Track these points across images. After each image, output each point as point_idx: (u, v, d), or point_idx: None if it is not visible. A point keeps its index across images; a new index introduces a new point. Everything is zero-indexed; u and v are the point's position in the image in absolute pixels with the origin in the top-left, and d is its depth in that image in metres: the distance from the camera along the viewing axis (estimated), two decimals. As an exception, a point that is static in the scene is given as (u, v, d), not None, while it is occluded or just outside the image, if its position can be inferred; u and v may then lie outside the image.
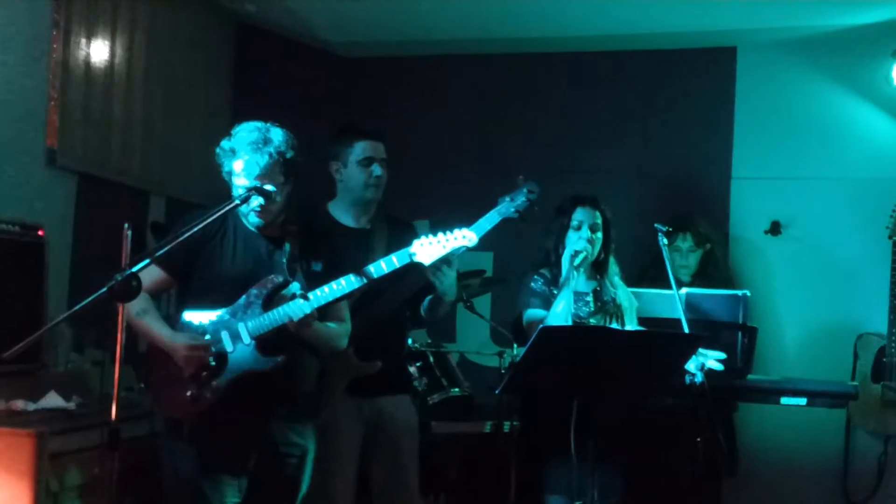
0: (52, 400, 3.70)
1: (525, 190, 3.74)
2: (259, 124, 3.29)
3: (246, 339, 3.21)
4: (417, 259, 3.21)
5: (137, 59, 5.15)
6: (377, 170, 3.88)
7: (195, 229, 3.09)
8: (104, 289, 2.76)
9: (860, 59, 5.49)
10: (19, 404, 3.59)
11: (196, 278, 3.33)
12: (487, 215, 3.67)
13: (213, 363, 3.19)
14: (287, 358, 3.22)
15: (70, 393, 3.82)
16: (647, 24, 5.48)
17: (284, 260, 3.30)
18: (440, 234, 3.21)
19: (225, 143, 3.28)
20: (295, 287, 3.27)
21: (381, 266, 3.24)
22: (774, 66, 5.68)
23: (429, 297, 3.81)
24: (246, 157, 3.22)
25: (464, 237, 3.22)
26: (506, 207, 3.73)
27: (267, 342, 3.21)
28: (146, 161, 5.23)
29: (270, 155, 3.22)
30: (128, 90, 5.07)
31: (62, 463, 3.33)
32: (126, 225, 3.41)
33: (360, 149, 3.88)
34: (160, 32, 5.35)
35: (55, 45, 4.52)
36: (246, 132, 3.26)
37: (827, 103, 5.60)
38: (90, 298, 2.84)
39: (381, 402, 3.88)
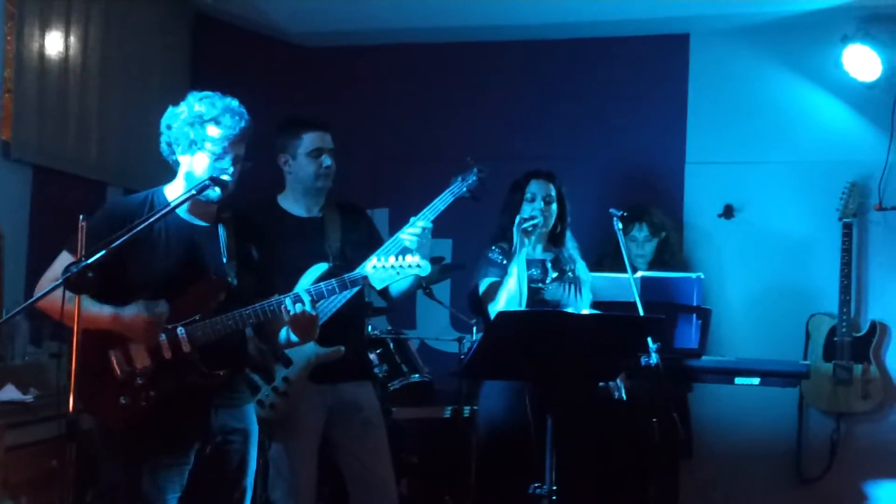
0: (10, 393, 3.68)
1: (475, 170, 3.88)
2: (212, 92, 3.15)
3: (186, 346, 3.04)
4: (371, 282, 3.18)
5: (93, 50, 5.11)
6: (327, 160, 3.90)
7: (151, 220, 2.97)
8: (60, 280, 2.74)
9: (811, 44, 5.56)
10: (-24, 398, 3.59)
11: (127, 273, 3.05)
12: (441, 196, 3.78)
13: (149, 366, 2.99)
14: (230, 372, 3.11)
15: (28, 385, 3.81)
16: (601, 11, 5.52)
17: (225, 259, 3.15)
18: (391, 258, 3.16)
19: (189, 112, 3.10)
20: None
21: (333, 287, 3.17)
22: (727, 53, 5.74)
23: None
24: (225, 121, 3.06)
25: (418, 266, 3.16)
26: (458, 187, 3.85)
27: (210, 350, 3.06)
28: (103, 152, 5.20)
29: (247, 120, 3.11)
30: (83, 81, 5.03)
31: (20, 455, 3.32)
32: (81, 216, 3.39)
33: (308, 140, 3.90)
34: (116, 23, 5.30)
35: (9, 37, 4.48)
36: (216, 99, 3.11)
37: (778, 88, 5.66)
38: (46, 290, 2.84)
39: (344, 389, 3.88)
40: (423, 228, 3.57)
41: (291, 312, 3.09)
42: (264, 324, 3.18)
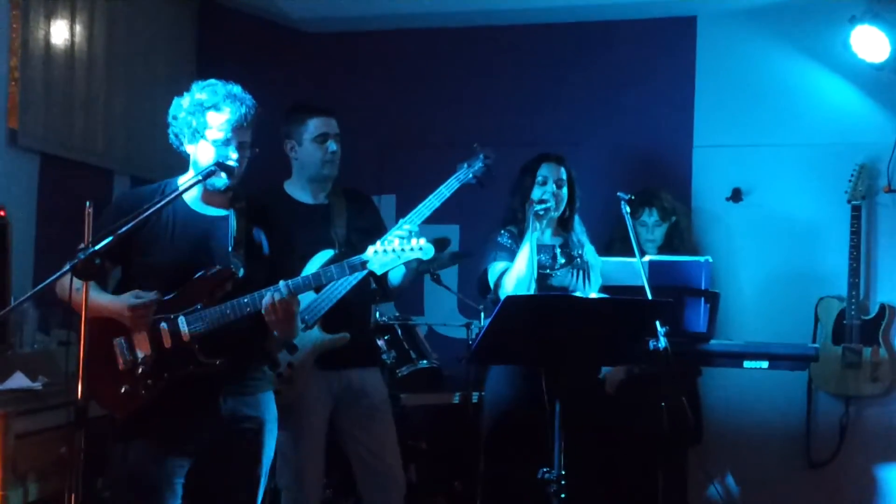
0: (18, 380, 3.69)
1: (482, 156, 3.87)
2: (215, 80, 3.14)
3: (185, 335, 3.04)
4: (370, 266, 3.09)
5: (98, 38, 5.11)
6: (332, 146, 3.90)
7: (158, 206, 2.98)
8: (67, 267, 2.75)
9: (818, 26, 5.52)
10: (-15, 385, 3.59)
11: (133, 262, 3.12)
12: (447, 182, 3.78)
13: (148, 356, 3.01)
14: (228, 360, 3.07)
15: (36, 373, 3.81)
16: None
17: (231, 248, 3.12)
18: (395, 241, 3.08)
19: (191, 102, 3.10)
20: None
21: (332, 273, 3.11)
22: (734, 35, 5.70)
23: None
24: (226, 108, 3.06)
25: (420, 249, 3.07)
26: (464, 174, 3.84)
27: (210, 339, 3.05)
28: (109, 140, 5.20)
29: (248, 105, 3.09)
30: (89, 69, 5.03)
31: (29, 443, 3.32)
32: (88, 203, 3.38)
33: (313, 126, 3.90)
34: (121, 10, 5.30)
35: (14, 26, 4.48)
36: (218, 87, 3.10)
37: (786, 70, 5.63)
38: (53, 277, 2.84)
39: (351, 376, 3.90)
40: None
41: (268, 303, 3.04)
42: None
